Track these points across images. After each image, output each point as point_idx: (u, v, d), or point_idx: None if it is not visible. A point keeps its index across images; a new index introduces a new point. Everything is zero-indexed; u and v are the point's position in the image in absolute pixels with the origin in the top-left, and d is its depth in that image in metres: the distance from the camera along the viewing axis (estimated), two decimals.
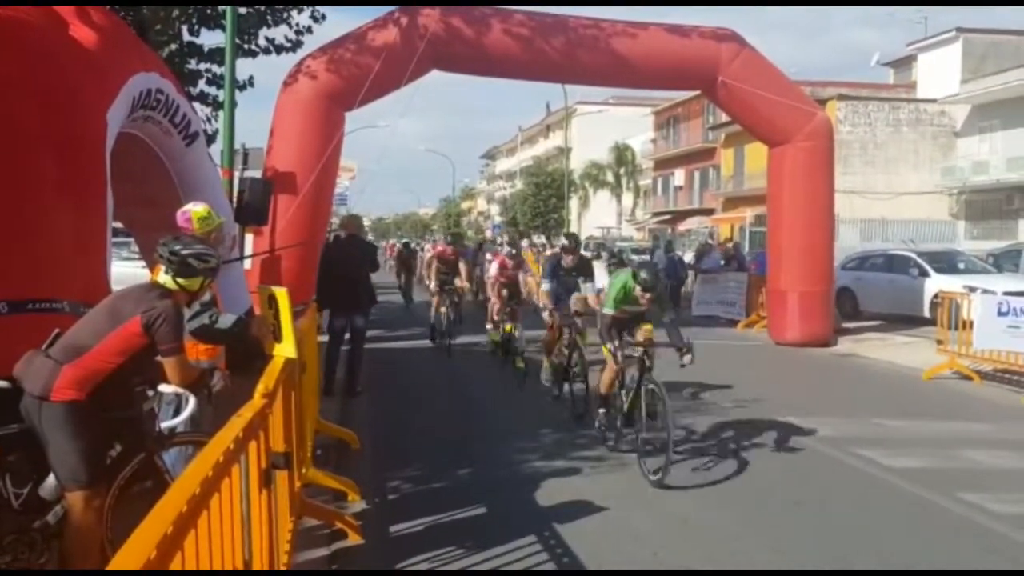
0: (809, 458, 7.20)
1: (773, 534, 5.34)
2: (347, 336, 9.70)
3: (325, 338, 10.25)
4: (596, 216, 56.87)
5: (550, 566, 4.78)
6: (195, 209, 5.13)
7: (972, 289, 13.41)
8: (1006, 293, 12.72)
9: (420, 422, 8.60)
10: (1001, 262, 18.62)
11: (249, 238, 11.62)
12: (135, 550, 1.58)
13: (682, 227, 47.86)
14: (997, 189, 30.34)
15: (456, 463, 6.94)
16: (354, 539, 5.06)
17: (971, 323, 10.73)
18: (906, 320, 16.69)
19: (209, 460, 2.24)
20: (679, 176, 50.66)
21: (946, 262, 17.85)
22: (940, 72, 33.52)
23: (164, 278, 3.98)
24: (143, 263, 10.25)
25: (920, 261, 17.54)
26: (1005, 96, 29.50)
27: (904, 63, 39.73)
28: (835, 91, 33.61)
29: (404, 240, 44.19)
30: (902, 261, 18.04)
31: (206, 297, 4.34)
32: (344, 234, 10.34)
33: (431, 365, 12.44)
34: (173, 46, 12.33)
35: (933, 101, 33.13)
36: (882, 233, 27.69)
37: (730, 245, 24.51)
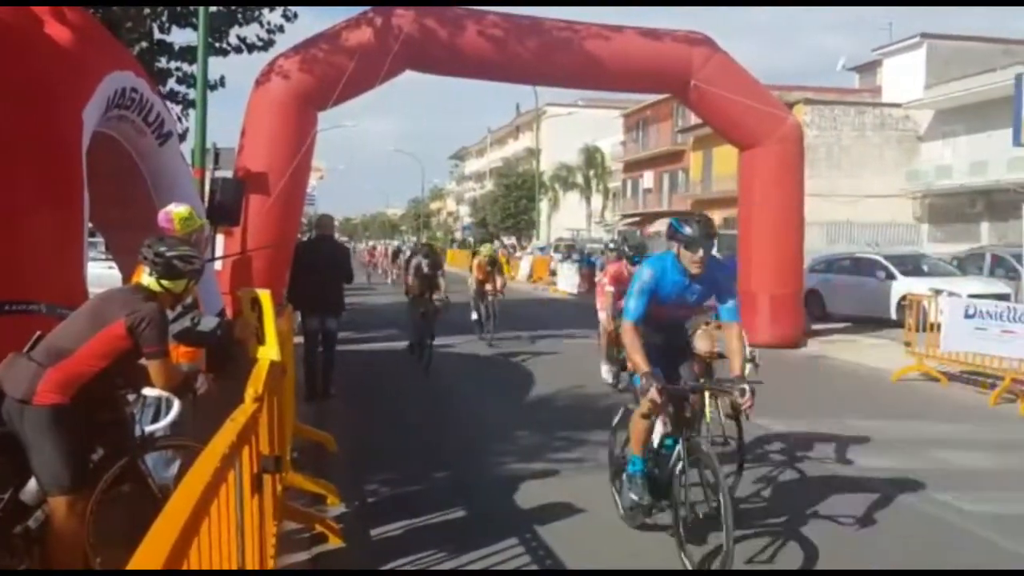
0: (780, 458, 7.29)
1: (752, 535, 5.39)
2: (319, 338, 9.61)
3: (296, 340, 10.20)
4: (565, 218, 56.99)
5: (532, 568, 4.80)
6: (177, 210, 5.07)
7: (938, 292, 13.66)
8: (971, 296, 12.99)
9: (397, 424, 8.58)
10: (965, 265, 18.97)
11: (220, 238, 11.51)
12: (146, 561, 1.56)
13: (651, 229, 48.12)
14: (960, 193, 30.89)
15: (434, 465, 6.93)
16: (335, 542, 5.04)
17: (938, 325, 10.93)
18: (873, 322, 16.95)
19: (208, 466, 2.22)
20: (648, 178, 50.94)
21: (912, 265, 18.17)
22: (905, 77, 34.05)
23: (148, 280, 3.94)
24: (112, 263, 10.14)
25: (887, 264, 17.84)
26: (968, 101, 30.05)
27: (869, 68, 40.31)
28: (802, 95, 34.00)
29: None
30: (869, 264, 18.33)
31: (188, 300, 4.29)
32: (316, 234, 10.26)
33: (406, 367, 12.41)
34: (143, 44, 12.17)
35: (898, 106, 33.65)
36: (848, 236, 28.07)
37: None
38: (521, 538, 5.20)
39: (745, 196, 15.39)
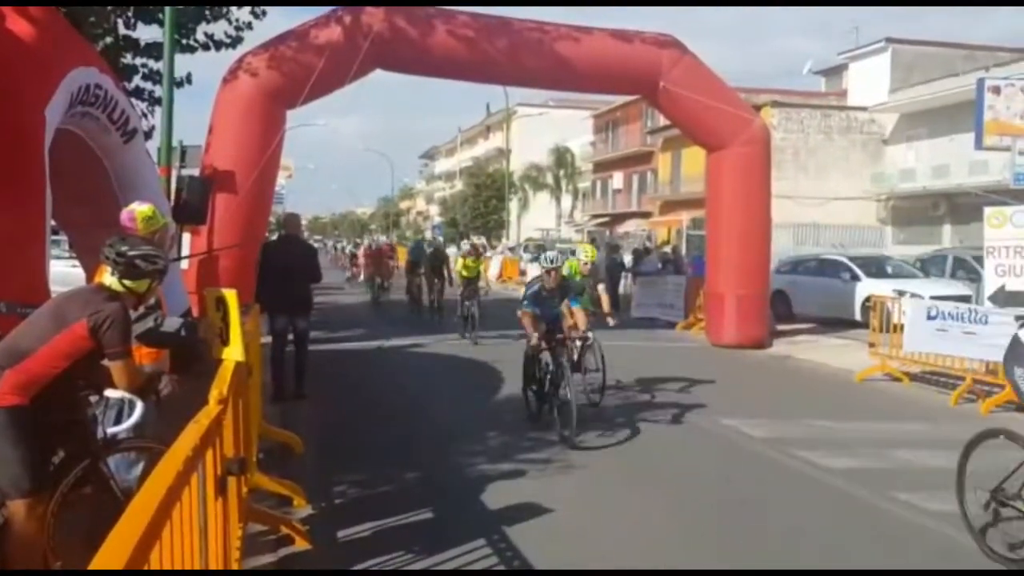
0: (749, 459, 7.37)
1: (718, 536, 5.45)
2: (289, 338, 9.53)
3: (264, 340, 10.10)
4: (535, 218, 57.10)
5: (500, 568, 4.80)
6: (140, 208, 5.00)
7: (901, 293, 13.87)
8: (933, 297, 13.20)
9: (364, 424, 8.54)
10: (928, 267, 19.28)
11: (186, 237, 11.38)
12: (107, 564, 1.54)
13: (620, 230, 48.37)
14: (923, 196, 31.37)
15: (402, 466, 6.91)
16: (301, 544, 5.00)
17: (901, 326, 11.09)
18: (838, 323, 17.16)
19: (171, 469, 2.20)
20: (618, 179, 51.18)
21: (876, 267, 18.43)
22: (870, 81, 34.52)
23: (110, 280, 3.88)
24: (75, 262, 10.00)
25: (851, 265, 18.07)
26: (931, 106, 30.53)
27: (835, 72, 40.83)
28: (769, 98, 34.30)
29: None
30: (834, 265, 18.56)
31: (151, 300, 4.23)
32: (283, 234, 10.17)
33: (373, 366, 12.36)
34: (108, 40, 12.00)
35: (863, 109, 34.09)
36: (814, 237, 28.39)
37: (668, 249, 24.90)
38: (489, 539, 5.20)
39: (713, 198, 15.52)
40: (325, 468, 6.77)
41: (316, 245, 26.46)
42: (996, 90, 20.06)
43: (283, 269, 9.27)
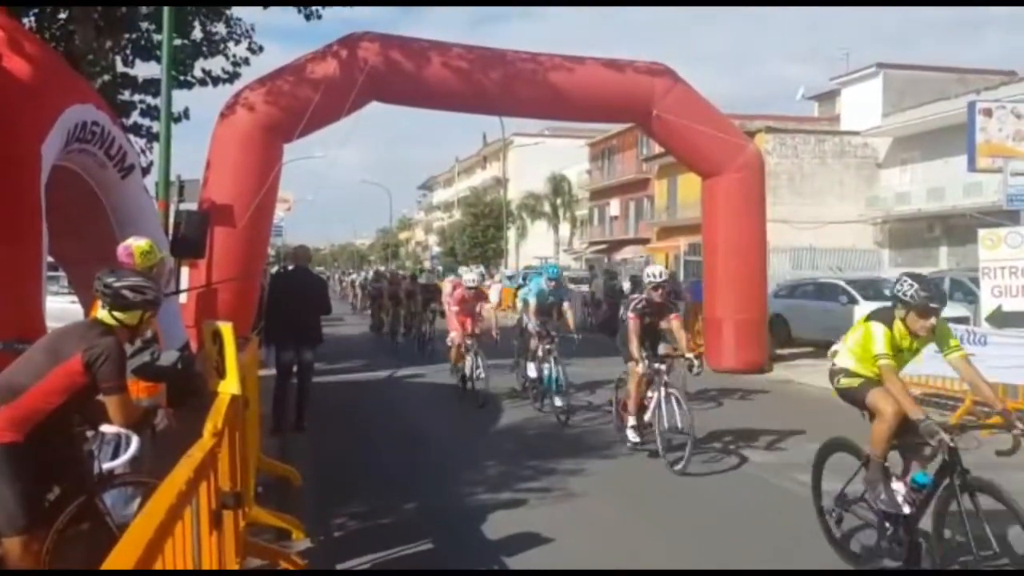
0: (751, 484, 7.33)
1: (721, 561, 5.42)
2: (294, 370, 9.50)
3: (268, 371, 10.08)
4: (534, 246, 57.15)
5: None
6: (136, 244, 5.02)
7: None
8: None
9: (363, 456, 8.52)
10: None
11: (185, 271, 11.41)
12: None
13: (618, 256, 48.45)
14: (919, 218, 31.48)
15: (401, 497, 6.88)
16: None
17: None
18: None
19: (163, 503, 2.20)
20: (615, 206, 51.37)
21: (873, 289, 18.41)
22: (862, 106, 34.76)
23: (102, 313, 3.89)
24: (74, 298, 10.00)
25: (848, 288, 18.08)
26: (924, 129, 30.73)
27: (828, 97, 41.12)
28: (763, 124, 34.51)
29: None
30: (831, 289, 18.57)
31: (147, 334, 4.24)
32: (292, 266, 10.19)
33: (372, 397, 12.33)
34: (106, 77, 12.13)
35: (856, 134, 34.30)
36: (811, 261, 28.43)
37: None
38: (489, 571, 5.18)
39: (708, 223, 15.58)
40: (324, 501, 6.73)
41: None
42: (988, 112, 20.16)
43: (293, 301, 9.27)
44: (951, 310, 16.22)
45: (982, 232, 11.27)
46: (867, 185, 34.13)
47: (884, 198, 33.37)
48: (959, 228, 27.91)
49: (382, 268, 39.89)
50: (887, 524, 5.00)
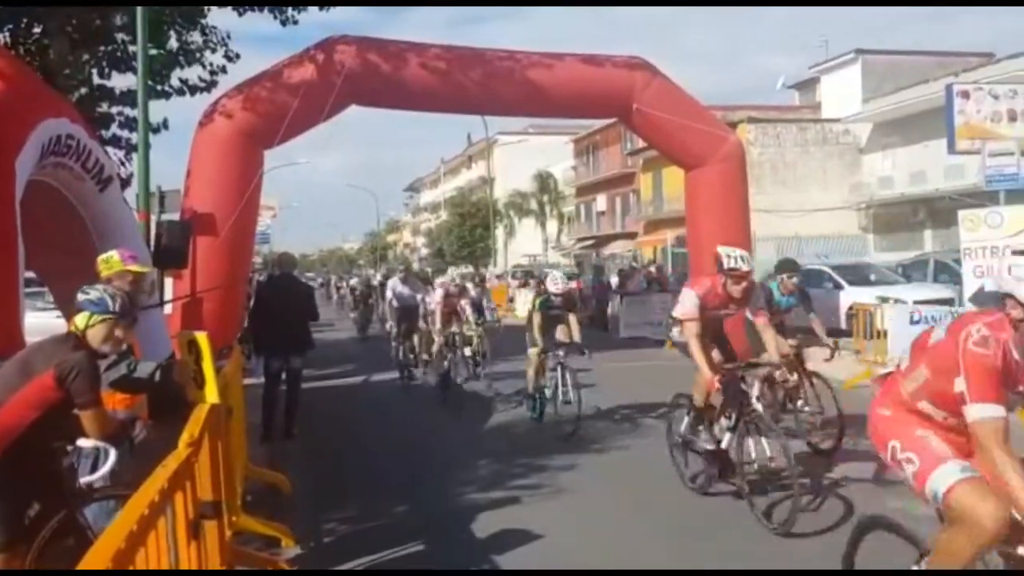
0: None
1: (712, 557, 5.43)
2: (282, 376, 9.46)
3: (255, 380, 10.05)
4: (522, 244, 57.24)
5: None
6: (101, 256, 5.04)
7: (884, 300, 13.94)
8: (916, 302, 13.28)
9: (353, 460, 8.50)
10: (909, 272, 19.40)
11: (169, 282, 11.38)
12: None
13: (606, 251, 48.54)
14: (902, 202, 31.63)
15: (392, 501, 6.87)
16: None
17: (885, 332, 11.15)
18: (825, 332, 17.17)
19: (134, 514, 2.19)
20: (601, 202, 51.43)
21: (858, 275, 18.54)
22: (842, 93, 34.90)
23: (74, 325, 3.90)
24: (58, 313, 9.95)
25: (833, 275, 18.18)
26: (904, 114, 30.87)
27: (808, 85, 41.24)
28: (745, 114, 34.62)
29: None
30: (817, 275, 18.64)
31: (123, 346, 4.22)
32: (278, 272, 10.16)
33: (360, 402, 12.31)
34: (83, 90, 12.08)
35: (837, 121, 34.43)
36: (797, 249, 28.53)
37: (652, 268, 25.04)
38: (479, 567, 5.18)
39: (692, 215, 15.62)
40: (314, 507, 6.72)
41: (311, 284, 25.88)
42: (966, 94, 20.31)
43: (279, 308, 9.23)
44: (935, 292, 16.39)
45: (962, 213, 11.35)
46: (850, 171, 34.28)
47: (867, 184, 33.52)
48: (943, 211, 28.05)
49: (371, 271, 39.55)
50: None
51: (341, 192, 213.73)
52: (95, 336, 3.87)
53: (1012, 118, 20.22)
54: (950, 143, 20.05)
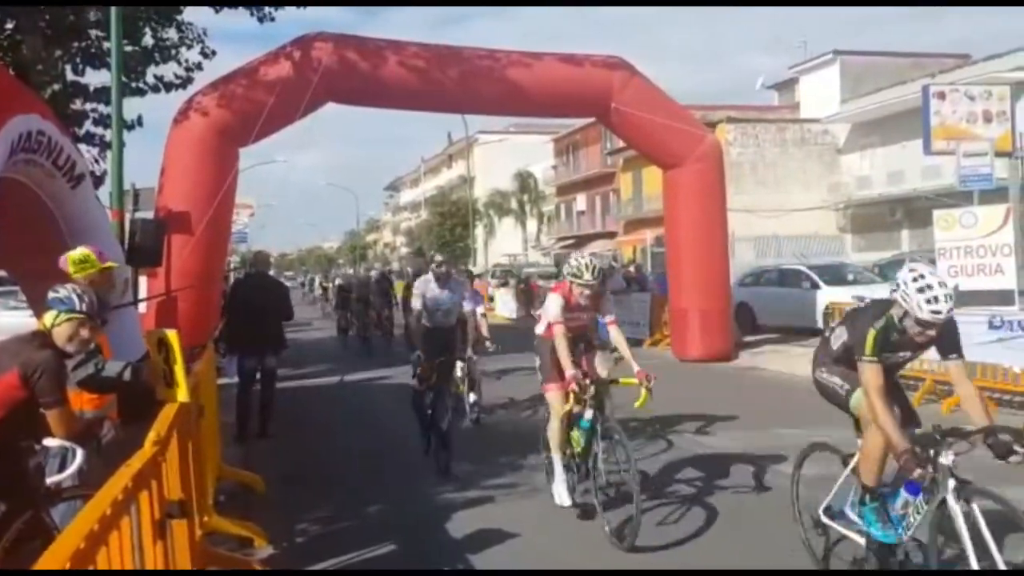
0: (720, 472, 7.35)
1: (693, 552, 5.44)
2: (256, 376, 9.40)
3: (229, 379, 9.97)
4: (502, 243, 57.32)
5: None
6: (71, 253, 4.96)
7: (861, 299, 13.99)
8: None
9: (327, 460, 8.46)
10: (886, 271, 19.54)
11: (144, 280, 11.27)
12: None
13: (586, 251, 48.56)
14: (880, 202, 31.91)
15: (366, 500, 6.84)
16: None
17: None
18: (801, 332, 17.31)
19: (95, 513, 2.16)
20: (581, 201, 51.54)
21: (835, 274, 18.67)
22: (821, 93, 35.16)
23: (42, 323, 3.85)
24: (31, 313, 9.83)
25: (811, 274, 18.30)
26: (882, 114, 31.15)
27: (787, 85, 41.52)
28: (724, 114, 34.79)
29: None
30: (794, 275, 18.79)
31: (90, 346, 4.17)
32: (252, 271, 10.09)
33: (338, 402, 12.25)
34: (56, 86, 11.94)
35: (816, 121, 34.68)
36: (776, 249, 28.73)
37: (632, 268, 25.12)
38: (454, 570, 5.17)
39: (670, 215, 15.68)
40: (288, 507, 6.67)
41: (289, 283, 25.65)
42: (942, 95, 20.52)
43: (253, 307, 9.16)
44: None
45: (937, 213, 11.45)
46: (828, 171, 34.53)
47: (845, 184, 33.78)
48: (920, 211, 28.28)
49: (350, 271, 39.28)
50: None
51: (320, 191, 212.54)
52: (60, 335, 3.82)
53: (987, 119, 20.46)
54: (926, 144, 20.24)
